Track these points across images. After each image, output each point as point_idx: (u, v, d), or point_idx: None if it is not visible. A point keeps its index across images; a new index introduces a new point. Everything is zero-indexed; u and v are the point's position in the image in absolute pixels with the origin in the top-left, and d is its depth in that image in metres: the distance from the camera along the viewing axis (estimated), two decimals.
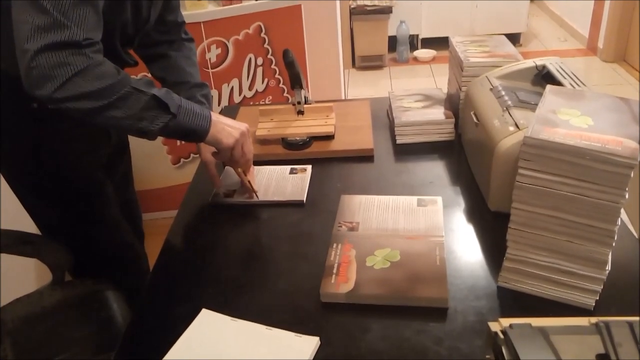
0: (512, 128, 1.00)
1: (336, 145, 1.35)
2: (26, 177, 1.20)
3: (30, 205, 1.26)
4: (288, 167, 1.28)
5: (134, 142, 1.40)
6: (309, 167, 1.27)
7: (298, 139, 1.36)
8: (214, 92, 2.28)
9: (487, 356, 0.63)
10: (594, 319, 0.60)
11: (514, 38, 4.48)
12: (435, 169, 1.26)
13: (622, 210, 0.76)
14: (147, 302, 0.96)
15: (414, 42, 4.58)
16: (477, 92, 1.20)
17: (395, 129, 1.36)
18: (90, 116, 0.91)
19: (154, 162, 2.36)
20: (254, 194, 1.17)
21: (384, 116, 1.52)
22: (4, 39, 1.01)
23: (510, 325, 0.60)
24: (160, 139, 1.04)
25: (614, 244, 0.78)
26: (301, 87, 1.41)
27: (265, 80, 2.37)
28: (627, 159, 0.72)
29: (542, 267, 0.85)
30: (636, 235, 1.01)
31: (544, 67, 1.17)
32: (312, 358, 0.79)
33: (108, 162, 1.31)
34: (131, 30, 1.11)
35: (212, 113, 1.06)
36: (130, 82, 0.93)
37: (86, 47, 0.88)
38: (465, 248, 1.00)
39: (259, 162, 1.27)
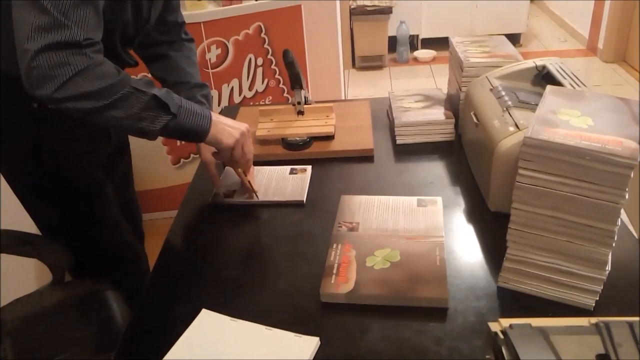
0: (512, 128, 1.00)
1: (336, 145, 1.35)
2: (26, 177, 1.20)
3: (30, 205, 1.26)
4: (288, 168, 1.28)
5: (134, 142, 1.40)
6: (309, 168, 1.27)
7: (298, 139, 1.36)
8: (214, 93, 2.28)
9: (487, 356, 0.63)
10: (594, 319, 0.60)
11: (514, 38, 4.49)
12: (435, 169, 1.26)
13: (622, 211, 0.76)
14: (147, 302, 0.96)
15: (414, 43, 4.58)
16: (477, 93, 1.20)
17: (396, 129, 1.36)
18: (91, 116, 0.91)
19: (154, 162, 2.36)
20: (254, 194, 1.17)
21: (384, 116, 1.52)
22: (4, 39, 1.01)
23: (510, 326, 0.60)
24: (160, 139, 1.04)
25: (614, 245, 0.78)
26: (301, 88, 1.41)
27: (265, 80, 2.37)
28: (627, 159, 0.72)
29: (542, 268, 0.85)
30: (636, 235, 1.01)
31: (544, 67, 1.17)
32: (312, 358, 0.79)
33: (108, 162, 1.31)
34: (131, 30, 1.11)
35: (212, 113, 1.06)
36: (130, 82, 0.93)
37: (86, 47, 0.88)
38: (465, 248, 1.00)
39: (259, 163, 1.27)
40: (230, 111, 1.60)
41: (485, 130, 1.08)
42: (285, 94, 2.43)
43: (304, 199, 1.17)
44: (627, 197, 0.74)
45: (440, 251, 0.95)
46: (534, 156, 0.77)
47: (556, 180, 0.77)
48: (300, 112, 1.43)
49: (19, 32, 0.85)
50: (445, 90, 1.53)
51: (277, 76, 2.38)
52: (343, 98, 3.05)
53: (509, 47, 1.38)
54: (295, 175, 1.25)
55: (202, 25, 2.15)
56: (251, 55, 2.29)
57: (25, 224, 1.29)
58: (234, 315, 0.87)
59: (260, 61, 2.32)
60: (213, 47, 2.21)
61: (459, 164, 1.27)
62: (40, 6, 0.84)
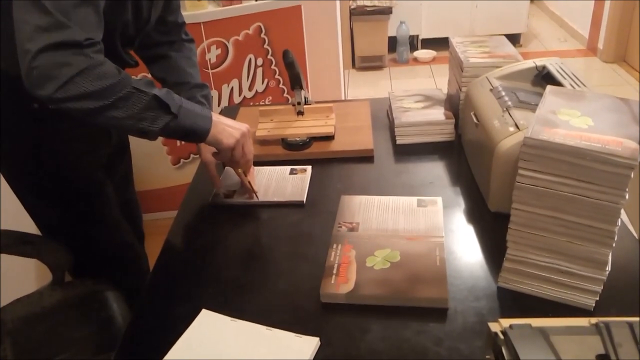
0: (512, 128, 1.00)
1: (336, 145, 1.35)
2: (26, 177, 1.20)
3: (30, 205, 1.26)
4: (288, 168, 1.28)
5: (134, 142, 1.41)
6: (309, 168, 1.27)
7: (298, 139, 1.36)
8: (214, 93, 2.28)
9: (487, 357, 0.63)
10: (594, 320, 0.60)
11: (514, 38, 4.49)
12: (435, 170, 1.26)
13: (622, 211, 0.76)
14: (147, 302, 0.96)
15: (414, 43, 4.58)
16: (477, 93, 1.20)
17: (395, 129, 1.36)
18: (91, 116, 0.91)
19: (154, 163, 2.36)
20: (254, 195, 1.17)
21: (384, 117, 1.52)
22: (4, 39, 1.02)
23: (510, 326, 0.60)
24: (160, 139, 1.04)
25: (614, 245, 0.78)
26: (301, 88, 1.41)
27: (265, 80, 2.37)
28: (627, 160, 0.72)
29: (542, 268, 0.85)
30: (636, 235, 1.01)
31: (544, 67, 1.17)
32: (312, 358, 0.79)
33: (108, 162, 1.31)
34: (132, 30, 1.11)
35: (212, 113, 1.06)
36: (131, 82, 0.93)
37: (87, 47, 0.88)
38: (465, 248, 1.00)
39: (258, 163, 1.27)
40: (230, 111, 1.60)
41: (485, 131, 1.08)
42: (285, 94, 2.43)
43: (304, 199, 1.17)
44: (627, 197, 0.74)
45: (440, 251, 0.95)
46: (534, 156, 0.77)
47: (556, 181, 0.77)
48: (300, 113, 1.43)
49: (20, 32, 0.86)
50: (445, 91, 1.53)
51: (277, 76, 2.39)
52: (343, 98, 3.05)
53: (509, 48, 1.38)
54: (295, 175, 1.25)
55: (202, 26, 2.15)
56: (251, 56, 2.29)
57: (25, 224, 1.29)
58: (234, 316, 0.87)
59: (260, 61, 2.32)
60: (213, 48, 2.21)
61: (459, 164, 1.27)
62: (41, 6, 0.84)
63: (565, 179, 0.76)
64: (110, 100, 0.90)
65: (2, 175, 1.23)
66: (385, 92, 1.63)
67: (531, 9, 4.66)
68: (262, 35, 2.27)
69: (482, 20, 4.42)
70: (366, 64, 4.31)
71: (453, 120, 1.35)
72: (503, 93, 1.12)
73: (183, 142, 2.24)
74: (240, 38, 2.24)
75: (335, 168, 1.30)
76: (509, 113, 1.05)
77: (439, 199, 1.11)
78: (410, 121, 1.35)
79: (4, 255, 1.40)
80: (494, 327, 0.61)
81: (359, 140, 1.36)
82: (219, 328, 0.85)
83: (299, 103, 1.42)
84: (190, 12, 2.10)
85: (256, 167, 1.23)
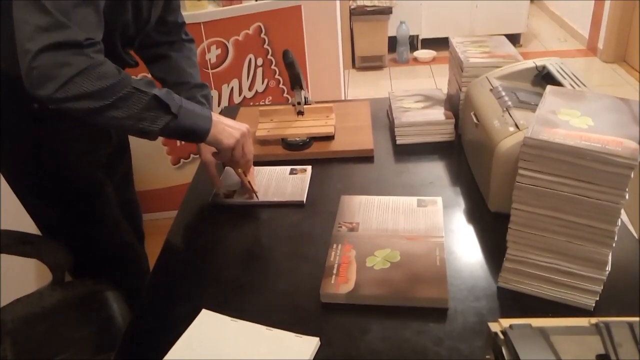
0: (512, 128, 1.00)
1: (336, 145, 1.35)
2: (26, 177, 1.20)
3: (30, 205, 1.26)
4: (288, 168, 1.28)
5: (134, 142, 1.41)
6: (309, 168, 1.27)
7: (298, 139, 1.36)
8: (214, 93, 2.28)
9: (487, 357, 0.63)
10: (594, 320, 0.60)
11: (514, 38, 4.49)
12: (435, 170, 1.26)
13: (622, 211, 0.76)
14: (147, 302, 0.96)
15: (414, 43, 4.58)
16: (477, 93, 1.20)
17: (395, 129, 1.36)
18: (91, 116, 0.91)
19: (154, 163, 2.36)
20: (254, 195, 1.17)
21: (384, 117, 1.52)
22: (4, 39, 1.02)
23: (510, 326, 0.60)
24: (160, 139, 1.04)
25: (614, 245, 0.78)
26: (301, 88, 1.41)
27: (265, 80, 2.37)
28: (627, 160, 0.72)
29: (542, 268, 0.85)
30: (636, 235, 1.01)
31: (544, 67, 1.17)
32: (312, 358, 0.79)
33: (108, 162, 1.31)
34: (132, 30, 1.11)
35: (212, 113, 1.06)
36: (131, 82, 0.93)
37: (87, 47, 0.88)
38: (465, 248, 1.00)
39: (258, 163, 1.27)
40: (230, 111, 1.60)
41: (485, 131, 1.08)
42: (285, 94, 2.43)
43: (304, 199, 1.17)
44: (627, 197, 0.74)
45: (440, 251, 0.95)
46: (534, 156, 0.77)
47: (556, 181, 0.77)
48: (300, 113, 1.43)
49: (20, 32, 0.85)
50: (445, 91, 1.53)
51: (277, 76, 2.39)
52: (343, 98, 3.05)
53: (509, 48, 1.38)
54: (295, 175, 1.25)
55: (202, 26, 2.15)
56: (251, 56, 2.29)
57: (25, 224, 1.29)
58: (234, 316, 0.87)
59: (260, 61, 2.32)
60: (213, 48, 2.21)
61: (459, 164, 1.28)
62: (41, 6, 0.84)
63: (565, 179, 0.76)
64: (111, 100, 0.90)
65: (2, 175, 1.23)
66: (385, 92, 1.63)
67: (531, 9, 4.66)
68: (262, 35, 2.27)
69: (482, 20, 4.42)
70: (366, 64, 4.31)
71: (453, 120, 1.35)
72: (503, 93, 1.12)
73: (183, 142, 2.24)
74: (240, 38, 2.24)
75: (335, 168, 1.30)
76: (509, 113, 1.05)
77: (439, 199, 1.11)
78: (410, 121, 1.35)
79: (4, 255, 1.40)
80: (494, 327, 0.61)
81: (359, 140, 1.36)
82: (219, 328, 0.85)
83: (299, 103, 1.42)
84: (190, 12, 2.10)
85: (256, 167, 1.23)
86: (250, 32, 2.24)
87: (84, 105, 0.89)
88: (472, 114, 1.18)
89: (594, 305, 0.83)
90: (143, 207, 1.61)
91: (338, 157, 1.33)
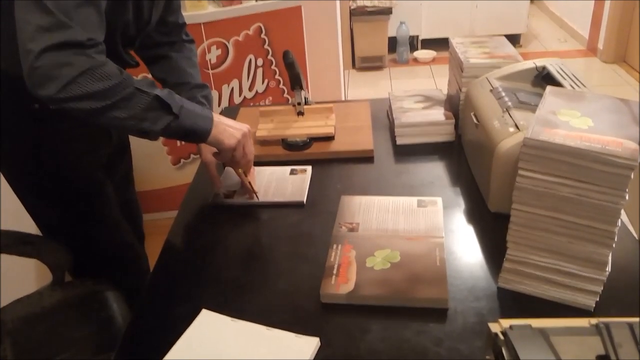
0: (512, 129, 1.00)
1: (336, 146, 1.36)
2: (26, 177, 1.20)
3: (30, 205, 1.26)
4: (288, 168, 1.28)
5: (134, 142, 1.41)
6: (309, 168, 1.27)
7: (298, 139, 1.36)
8: (214, 93, 2.28)
9: (487, 357, 0.63)
10: (594, 320, 0.60)
11: (513, 39, 4.49)
12: (435, 170, 1.26)
13: (622, 212, 0.76)
14: (147, 302, 0.96)
15: (414, 43, 4.58)
16: (477, 93, 1.20)
17: (395, 129, 1.36)
18: (93, 116, 0.91)
19: (154, 163, 2.36)
20: (254, 195, 1.17)
21: (384, 117, 1.52)
22: (4, 39, 1.02)
23: (511, 326, 0.60)
24: (160, 139, 1.04)
25: (614, 245, 0.78)
26: (301, 88, 1.41)
27: (266, 81, 2.37)
28: (627, 160, 0.72)
29: (542, 268, 0.85)
30: (636, 236, 1.01)
31: (544, 68, 1.17)
32: (312, 358, 0.79)
33: (108, 162, 1.31)
34: (132, 31, 1.11)
35: (213, 114, 1.06)
36: (133, 83, 0.93)
37: (89, 48, 0.88)
38: (465, 249, 1.00)
39: (259, 163, 1.27)
40: (231, 112, 1.60)
41: (485, 131, 1.08)
42: (285, 95, 2.43)
43: (304, 200, 1.17)
44: (627, 198, 0.74)
45: (440, 252, 0.95)
46: (534, 157, 0.77)
47: (556, 181, 0.77)
48: (301, 113, 1.43)
49: (22, 32, 0.86)
50: (445, 91, 1.53)
51: (277, 77, 2.39)
52: (343, 99, 3.05)
53: (508, 48, 1.38)
54: (296, 175, 1.25)
55: (202, 26, 2.15)
56: (251, 56, 2.29)
57: (25, 224, 1.29)
58: (234, 316, 0.87)
59: (260, 62, 2.32)
60: (213, 48, 2.21)
61: (459, 164, 1.28)
62: (42, 6, 0.84)
63: (565, 180, 0.77)
64: (112, 100, 0.90)
65: (2, 175, 1.23)
66: (385, 93, 1.64)
67: (531, 9, 4.66)
68: (262, 36, 2.27)
69: (482, 21, 4.42)
70: (366, 64, 4.32)
71: (453, 121, 1.35)
72: (503, 94, 1.12)
73: (183, 143, 2.24)
74: (240, 38, 2.24)
75: (335, 168, 1.30)
76: (509, 113, 1.05)
77: (439, 199, 1.11)
78: (410, 122, 1.35)
79: (4, 255, 1.40)
80: (494, 327, 0.61)
81: (359, 141, 1.36)
82: (219, 328, 0.85)
83: (299, 103, 1.42)
84: (190, 13, 2.10)
85: (256, 168, 1.23)
86: (250, 32, 2.24)
87: (85, 105, 0.89)
88: (472, 114, 1.18)
89: (594, 305, 0.84)
90: (143, 207, 1.61)
91: (338, 157, 1.33)
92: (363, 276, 0.91)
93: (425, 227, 1.03)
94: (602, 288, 0.82)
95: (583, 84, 1.06)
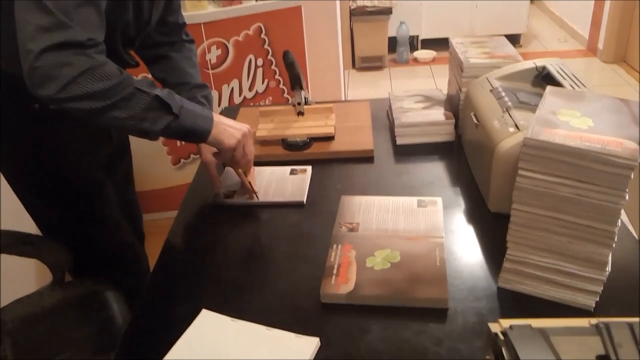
0: (512, 129, 1.00)
1: (336, 146, 1.36)
2: (26, 177, 1.20)
3: (31, 205, 1.26)
4: (288, 168, 1.28)
5: (134, 142, 1.41)
6: (309, 168, 1.27)
7: (298, 139, 1.36)
8: (214, 93, 2.28)
9: (487, 357, 0.63)
10: (594, 320, 0.60)
11: (513, 39, 4.49)
12: (435, 170, 1.26)
13: (622, 212, 0.76)
14: (147, 302, 0.96)
15: (414, 43, 4.58)
16: (477, 93, 1.20)
17: (396, 129, 1.36)
18: (93, 116, 0.91)
19: (154, 163, 2.36)
20: (254, 195, 1.17)
21: (384, 117, 1.52)
22: (4, 39, 1.02)
23: (511, 326, 0.60)
24: (160, 139, 1.04)
25: (614, 245, 0.78)
26: (301, 88, 1.41)
27: (266, 81, 2.37)
28: (627, 160, 0.72)
29: (542, 268, 0.85)
30: (636, 236, 1.01)
31: (544, 68, 1.17)
32: (312, 359, 0.79)
33: (108, 162, 1.31)
34: (132, 31, 1.11)
35: (213, 114, 1.06)
36: (133, 83, 0.93)
37: (89, 48, 0.88)
38: (465, 249, 1.00)
39: (259, 163, 1.27)
40: (231, 112, 1.60)
41: (485, 131, 1.08)
42: (285, 95, 2.43)
43: (304, 200, 1.17)
44: (627, 197, 0.74)
45: (440, 252, 0.95)
46: (534, 157, 0.77)
47: (556, 181, 0.77)
48: (301, 113, 1.43)
49: (22, 32, 0.86)
50: (445, 91, 1.53)
51: (277, 77, 2.39)
52: (343, 99, 3.05)
53: (508, 48, 1.38)
54: (296, 175, 1.25)
55: (202, 26, 2.15)
56: (251, 56, 2.29)
57: (25, 224, 1.29)
58: (234, 316, 0.87)
59: (260, 62, 2.32)
60: (213, 48, 2.21)
61: (459, 164, 1.28)
62: (42, 6, 0.84)
63: (565, 180, 0.77)
64: (113, 100, 0.90)
65: (2, 175, 1.23)
66: (385, 93, 1.64)
67: (531, 9, 4.66)
68: (262, 36, 2.27)
69: (482, 21, 4.42)
70: (366, 64, 4.32)
71: (453, 121, 1.35)
72: (503, 94, 1.12)
73: (183, 143, 2.24)
74: (240, 38, 2.24)
75: (335, 168, 1.30)
76: (509, 114, 1.05)
77: (439, 199, 1.11)
78: (410, 122, 1.35)
79: (4, 255, 1.40)
80: (494, 327, 0.61)
81: (359, 141, 1.36)
82: (219, 328, 0.85)
83: (299, 103, 1.42)
84: (190, 13, 2.10)
85: (256, 168, 1.23)
86: (250, 32, 2.24)
87: (86, 105, 0.89)
88: (472, 114, 1.18)
89: (594, 305, 0.84)
90: (143, 207, 1.61)
91: (338, 157, 1.33)
92: (363, 276, 0.91)
93: (425, 227, 1.03)
94: (602, 288, 0.82)
95: (583, 84, 1.06)
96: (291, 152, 1.35)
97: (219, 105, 2.30)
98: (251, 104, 2.36)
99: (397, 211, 1.08)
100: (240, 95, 2.34)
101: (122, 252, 1.37)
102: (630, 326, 0.59)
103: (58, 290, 1.26)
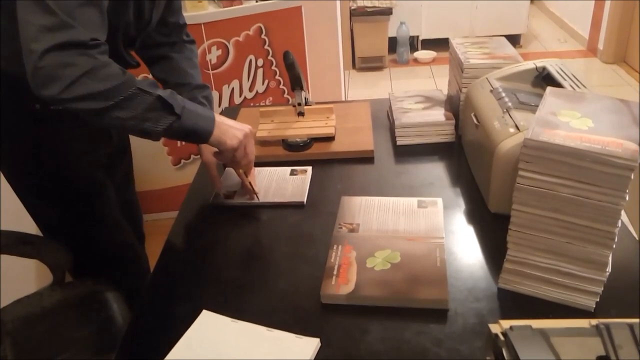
0: (512, 130, 1.00)
1: (336, 146, 1.36)
2: (26, 177, 1.20)
3: (31, 205, 1.26)
4: (288, 169, 1.28)
5: (135, 142, 1.41)
6: (309, 169, 1.27)
7: (298, 140, 1.36)
8: (215, 94, 2.28)
9: (487, 358, 0.63)
10: (594, 321, 0.60)
11: (514, 39, 4.49)
12: (436, 171, 1.26)
13: (623, 212, 0.76)
14: (147, 302, 0.96)
15: (414, 44, 4.58)
16: (477, 94, 1.20)
17: (396, 130, 1.36)
18: (96, 116, 0.91)
19: (154, 163, 2.36)
20: (255, 195, 1.17)
21: (384, 117, 1.52)
22: (4, 39, 1.02)
23: (511, 327, 0.60)
24: (161, 139, 1.04)
25: (614, 246, 0.78)
26: (301, 89, 1.41)
27: (266, 81, 2.37)
28: (627, 161, 0.72)
29: (543, 269, 0.85)
30: (636, 236, 1.01)
31: (544, 68, 1.17)
32: (312, 359, 0.79)
33: (108, 162, 1.31)
34: (133, 31, 1.11)
35: (215, 114, 1.06)
36: (135, 83, 0.93)
37: (92, 48, 0.88)
38: (465, 249, 1.00)
39: (259, 164, 1.27)
40: (231, 112, 1.60)
41: (485, 132, 1.08)
42: (285, 95, 2.43)
43: (305, 200, 1.17)
44: (627, 198, 0.74)
45: (441, 252, 0.95)
46: (534, 158, 0.77)
47: (556, 182, 0.77)
48: (301, 113, 1.43)
49: (25, 33, 0.86)
50: (445, 92, 1.54)
51: (277, 77, 2.39)
52: (343, 99, 3.05)
53: (509, 48, 1.38)
54: (296, 176, 1.25)
55: (202, 27, 2.15)
56: (251, 56, 2.29)
57: (25, 224, 1.29)
58: (234, 316, 0.87)
59: (260, 62, 2.32)
60: (213, 48, 2.21)
61: (459, 165, 1.28)
62: (45, 6, 0.84)
63: (566, 180, 0.77)
64: (115, 100, 0.90)
65: (2, 175, 1.23)
66: (385, 93, 1.64)
67: (531, 9, 4.66)
68: (263, 36, 2.27)
69: (482, 21, 4.42)
70: (366, 64, 4.32)
71: (453, 121, 1.35)
72: (503, 94, 1.12)
73: (184, 143, 2.25)
74: (240, 39, 2.24)
75: (335, 169, 1.30)
76: (509, 114, 1.05)
77: (439, 200, 1.11)
78: (410, 122, 1.35)
79: (4, 255, 1.40)
80: (495, 328, 0.61)
81: (359, 141, 1.36)
82: (219, 329, 0.85)
83: (299, 104, 1.42)
84: (190, 13, 2.10)
85: (257, 168, 1.23)
86: (250, 32, 2.24)
87: (88, 105, 0.89)
88: (472, 115, 1.18)
89: (594, 306, 0.84)
90: (143, 208, 1.61)
91: (338, 157, 1.33)
92: (363, 277, 0.91)
93: (425, 228, 1.03)
94: (602, 289, 0.82)
95: (583, 85, 1.06)
96: (291, 152, 1.35)
97: (219, 106, 2.30)
98: (251, 104, 2.36)
99: (397, 212, 1.08)
100: (240, 95, 2.34)
101: (122, 252, 1.37)
102: (631, 327, 0.59)
103: (58, 290, 1.26)
